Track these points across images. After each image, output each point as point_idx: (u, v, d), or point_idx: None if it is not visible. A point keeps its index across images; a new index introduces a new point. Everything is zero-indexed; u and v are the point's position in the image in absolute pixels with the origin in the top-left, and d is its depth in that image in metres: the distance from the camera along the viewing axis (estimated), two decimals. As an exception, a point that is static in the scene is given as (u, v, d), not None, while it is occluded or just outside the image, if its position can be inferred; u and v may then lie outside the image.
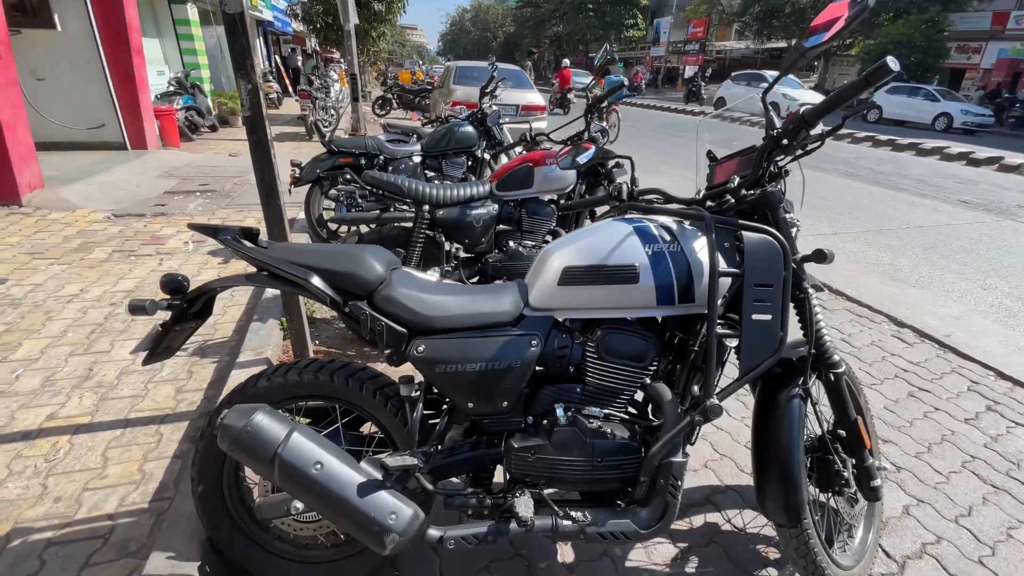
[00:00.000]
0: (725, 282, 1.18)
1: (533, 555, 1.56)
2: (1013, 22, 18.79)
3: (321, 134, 3.53)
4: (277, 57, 17.15)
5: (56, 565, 1.43)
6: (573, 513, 1.24)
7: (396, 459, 1.15)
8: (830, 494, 1.42)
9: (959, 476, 1.99)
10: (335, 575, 1.38)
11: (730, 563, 1.57)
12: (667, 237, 1.20)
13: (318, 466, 1.07)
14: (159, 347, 1.26)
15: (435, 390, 1.32)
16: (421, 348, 1.18)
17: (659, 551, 1.60)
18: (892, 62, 0.94)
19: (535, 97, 7.56)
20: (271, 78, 14.10)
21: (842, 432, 1.40)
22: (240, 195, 5.27)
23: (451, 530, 1.20)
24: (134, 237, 3.99)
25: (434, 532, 1.19)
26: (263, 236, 1.29)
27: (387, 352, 1.21)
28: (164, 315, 1.20)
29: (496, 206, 2.50)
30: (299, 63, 17.33)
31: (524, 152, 3.25)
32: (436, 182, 2.50)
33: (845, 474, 1.36)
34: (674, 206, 1.30)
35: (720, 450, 2.05)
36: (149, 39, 8.40)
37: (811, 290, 1.29)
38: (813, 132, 1.13)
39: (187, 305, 1.21)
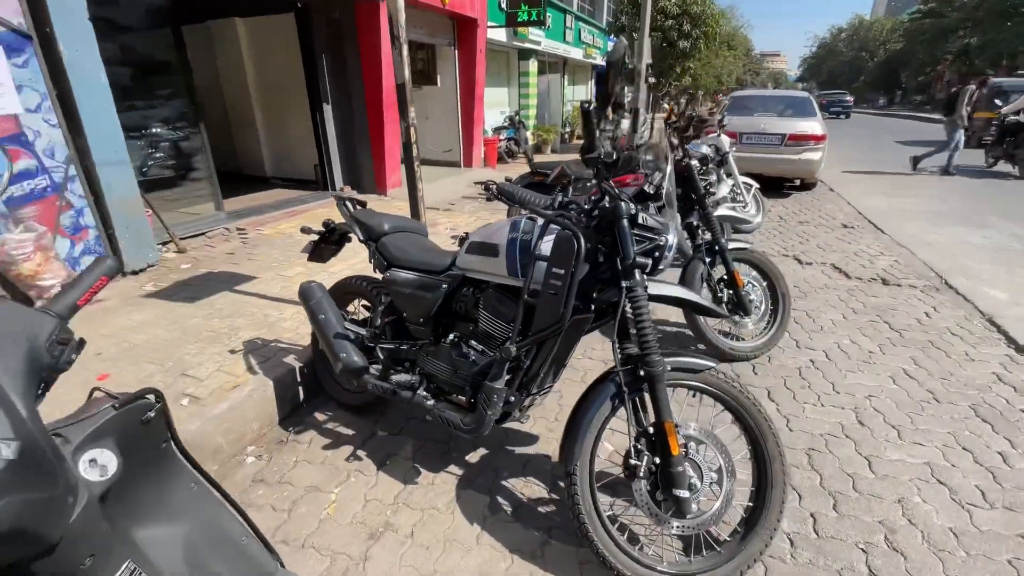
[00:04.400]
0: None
1: (457, 447, 2.20)
2: None
3: (529, 160, 4.65)
4: (605, 94, 19.88)
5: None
6: (430, 396, 1.88)
7: (356, 326, 2.07)
8: (637, 481, 1.54)
9: None
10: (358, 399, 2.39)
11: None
12: (530, 230, 1.70)
13: (322, 316, 2.08)
14: (314, 254, 2.51)
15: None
16: (389, 273, 2.05)
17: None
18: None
19: (806, 126, 6.86)
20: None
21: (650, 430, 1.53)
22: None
23: (372, 379, 2.02)
24: (431, 220, 6.00)
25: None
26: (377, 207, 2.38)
27: (377, 271, 2.13)
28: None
29: (589, 213, 3.02)
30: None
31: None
32: (539, 194, 3.18)
33: (632, 462, 1.51)
34: (546, 212, 1.72)
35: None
36: (500, 88, 11.42)
37: (637, 291, 1.50)
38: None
39: (328, 234, 2.42)
